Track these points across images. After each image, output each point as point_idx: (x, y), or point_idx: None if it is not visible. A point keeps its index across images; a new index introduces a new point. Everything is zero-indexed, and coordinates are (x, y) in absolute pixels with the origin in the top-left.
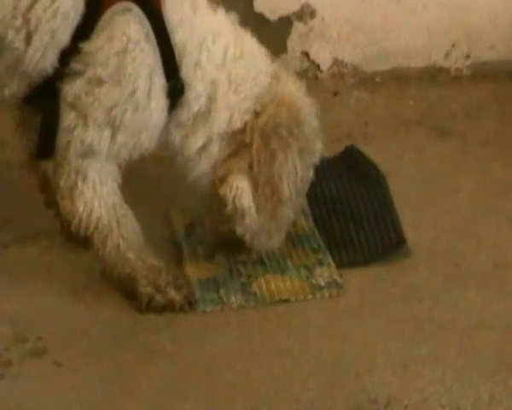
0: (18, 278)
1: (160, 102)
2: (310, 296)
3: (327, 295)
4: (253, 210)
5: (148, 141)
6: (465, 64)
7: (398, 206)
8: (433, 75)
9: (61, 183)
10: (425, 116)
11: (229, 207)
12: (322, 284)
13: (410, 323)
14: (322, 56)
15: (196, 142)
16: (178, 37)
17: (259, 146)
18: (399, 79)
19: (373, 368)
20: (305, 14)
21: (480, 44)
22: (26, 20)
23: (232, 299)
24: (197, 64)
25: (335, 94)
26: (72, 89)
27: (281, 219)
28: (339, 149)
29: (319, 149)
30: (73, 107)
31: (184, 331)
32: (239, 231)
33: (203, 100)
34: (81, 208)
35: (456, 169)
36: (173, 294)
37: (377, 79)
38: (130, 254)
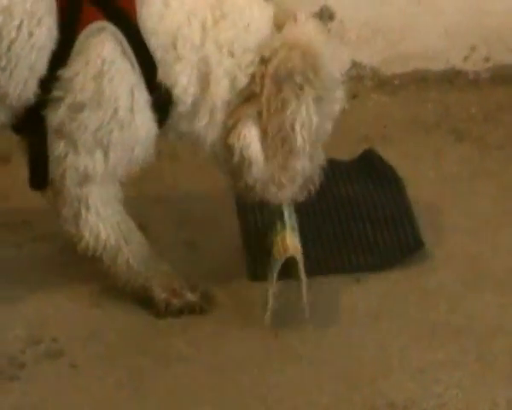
0: (33, 280)
1: (145, 115)
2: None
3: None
4: (260, 160)
5: (142, 154)
6: (484, 67)
7: (416, 209)
8: (451, 78)
9: (64, 211)
10: (443, 119)
11: (236, 156)
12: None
13: (427, 327)
14: (341, 59)
15: (201, 120)
16: (155, 42)
17: (270, 93)
18: (418, 81)
19: (390, 372)
20: (324, 16)
21: (499, 48)
22: (9, 59)
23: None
24: (176, 59)
25: (354, 97)
26: (56, 116)
27: (293, 170)
28: (357, 151)
29: (339, 99)
30: (60, 134)
31: (200, 335)
32: (249, 181)
33: (193, 88)
34: (87, 234)
35: (475, 172)
36: (189, 296)
37: (396, 82)
38: (141, 267)
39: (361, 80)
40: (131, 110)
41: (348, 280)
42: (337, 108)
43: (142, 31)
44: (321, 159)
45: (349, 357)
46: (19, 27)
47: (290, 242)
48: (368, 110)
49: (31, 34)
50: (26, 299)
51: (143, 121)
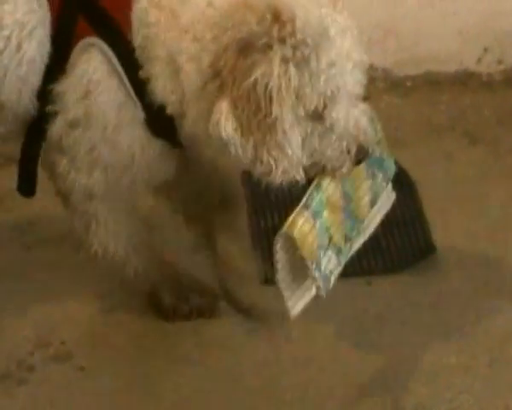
0: (42, 283)
1: (136, 133)
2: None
3: (316, 285)
4: (235, 137)
5: (147, 171)
6: (497, 69)
7: (428, 212)
8: (464, 80)
9: (75, 222)
10: (456, 122)
11: (213, 137)
12: (323, 272)
13: (439, 331)
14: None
15: (189, 115)
16: (141, 55)
17: (232, 62)
18: (431, 83)
19: (401, 377)
20: None
21: None
22: None
23: None
24: (152, 62)
25: (366, 98)
26: (54, 130)
27: (276, 145)
28: None
29: (336, 55)
30: (61, 150)
31: (210, 338)
32: (234, 163)
33: (169, 85)
34: (96, 244)
35: (487, 176)
36: (198, 300)
37: (408, 84)
38: (150, 273)
39: (373, 82)
40: (120, 129)
41: (360, 283)
42: (336, 57)
43: (136, 45)
44: (347, 132)
45: (360, 360)
46: (8, 38)
47: (293, 218)
48: (380, 112)
49: (20, 46)
50: (35, 302)
51: (135, 139)
